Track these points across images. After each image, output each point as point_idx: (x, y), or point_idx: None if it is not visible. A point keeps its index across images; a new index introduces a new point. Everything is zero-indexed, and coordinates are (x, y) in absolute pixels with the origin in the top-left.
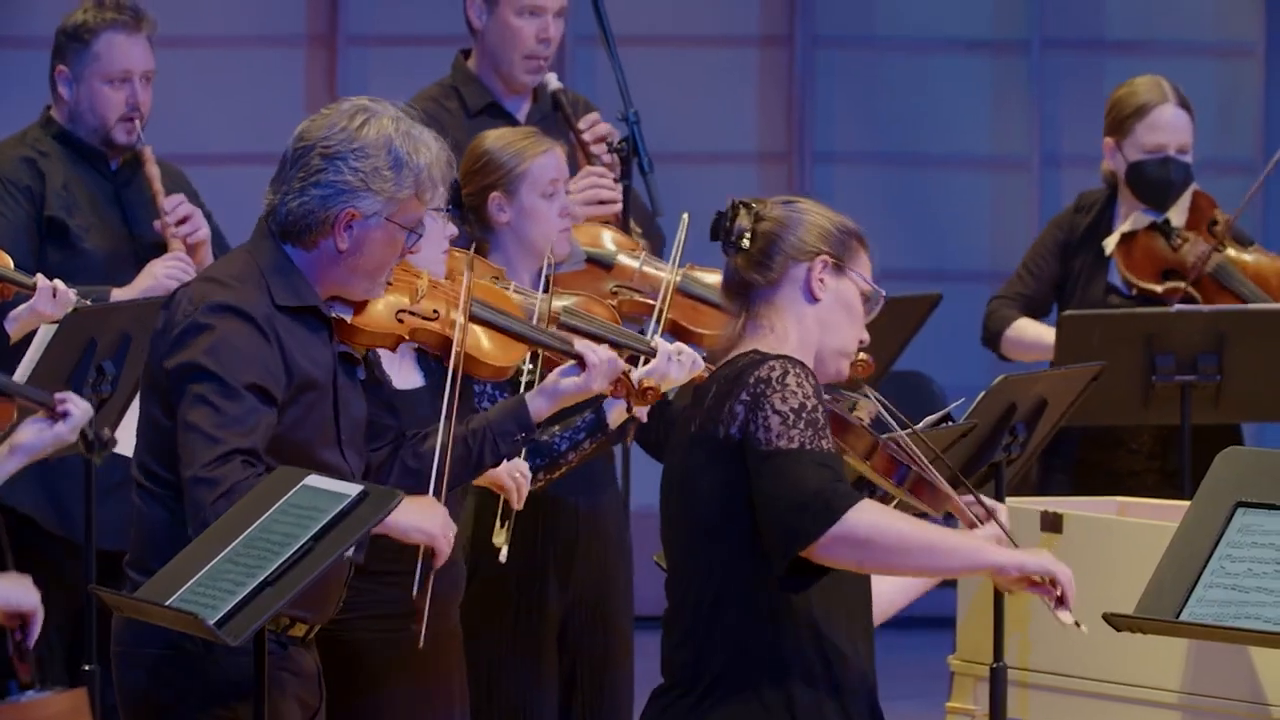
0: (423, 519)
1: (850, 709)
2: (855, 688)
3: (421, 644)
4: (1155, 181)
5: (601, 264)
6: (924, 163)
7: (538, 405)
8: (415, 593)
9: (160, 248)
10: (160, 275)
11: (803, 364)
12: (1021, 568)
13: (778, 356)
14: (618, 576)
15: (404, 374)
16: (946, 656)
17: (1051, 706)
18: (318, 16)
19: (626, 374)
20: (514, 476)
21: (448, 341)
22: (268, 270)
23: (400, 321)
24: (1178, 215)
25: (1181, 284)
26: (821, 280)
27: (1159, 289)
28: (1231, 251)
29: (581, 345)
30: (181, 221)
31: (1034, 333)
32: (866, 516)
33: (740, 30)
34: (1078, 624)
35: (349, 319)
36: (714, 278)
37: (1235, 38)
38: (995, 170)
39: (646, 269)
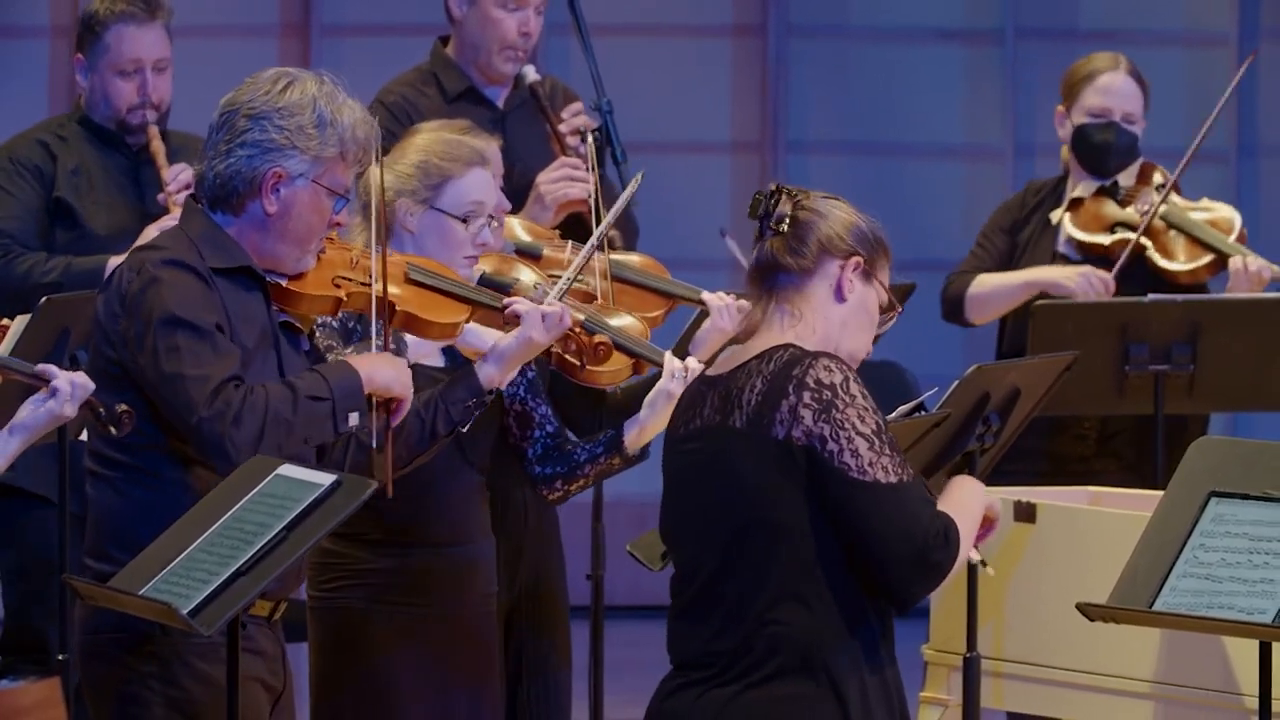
0: (398, 373)
1: (893, 701)
2: (896, 682)
3: (390, 493)
4: (1097, 145)
5: (530, 255)
6: (898, 152)
7: (488, 371)
8: (375, 445)
9: None
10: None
11: (849, 364)
12: (993, 505)
13: (825, 355)
14: (556, 570)
15: (426, 350)
16: (920, 646)
17: (1025, 696)
18: (291, 6)
19: (576, 332)
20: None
21: (384, 304)
22: (198, 238)
23: (337, 286)
24: (1126, 180)
25: (1131, 234)
26: (851, 281)
27: (1106, 241)
28: (1179, 200)
29: (511, 300)
30: (185, 189)
31: (994, 281)
32: (960, 550)
33: (714, 20)
34: (983, 563)
35: (286, 284)
36: (637, 259)
37: (1208, 27)
38: (969, 159)
39: (574, 257)
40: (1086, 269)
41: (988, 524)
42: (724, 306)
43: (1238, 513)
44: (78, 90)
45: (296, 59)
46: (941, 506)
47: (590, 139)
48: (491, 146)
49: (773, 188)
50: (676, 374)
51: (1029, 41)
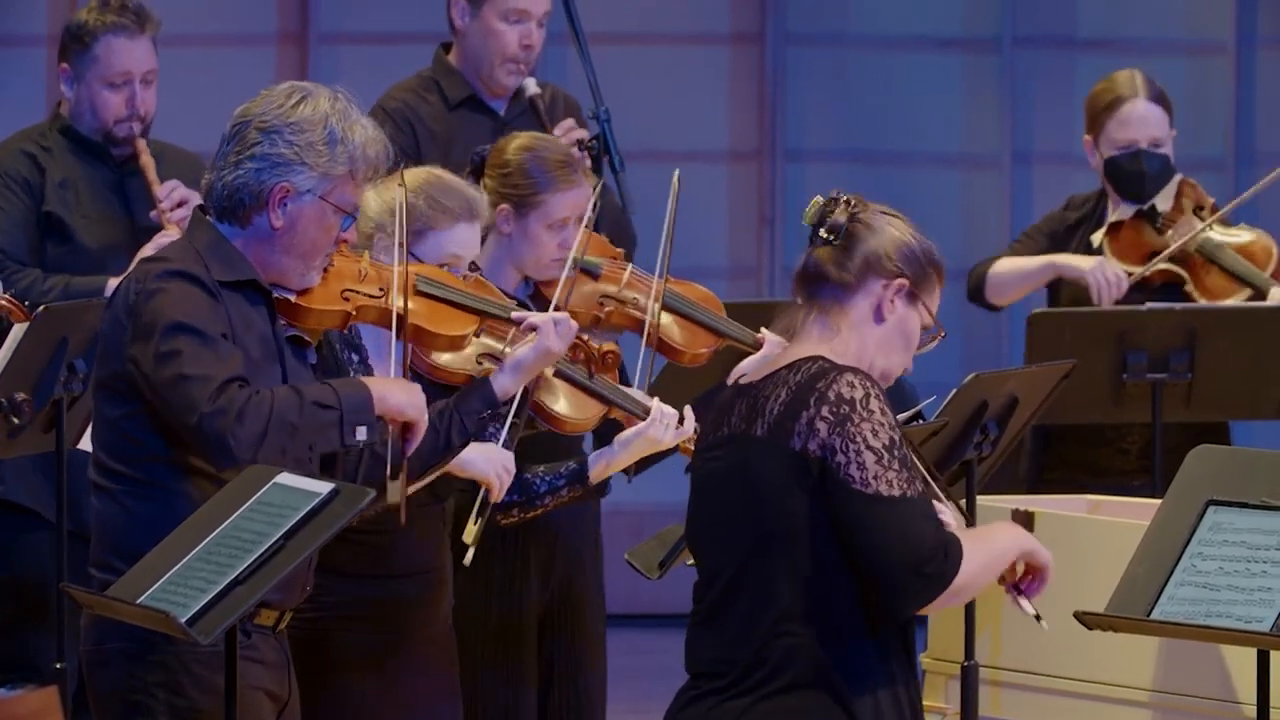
0: (411, 397)
1: (906, 716)
2: (912, 695)
3: (404, 520)
4: (1129, 175)
5: (589, 272)
6: (895, 160)
7: (502, 382)
8: (389, 472)
9: None
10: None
11: (875, 380)
12: (1036, 552)
13: (851, 370)
14: (592, 574)
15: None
16: (918, 655)
17: (1023, 705)
18: (289, 14)
19: (584, 340)
20: (498, 471)
21: (392, 317)
22: (203, 249)
23: (346, 299)
24: (1164, 203)
25: (1167, 265)
26: (892, 303)
27: (1147, 273)
28: (1218, 230)
29: (524, 312)
30: (178, 205)
31: (1013, 263)
32: (965, 567)
33: (712, 28)
34: (1038, 617)
35: (294, 298)
36: (694, 292)
37: (1206, 35)
38: (966, 168)
39: (633, 279)
40: (1103, 259)
41: (1037, 573)
42: (779, 341)
43: (1235, 521)
44: (60, 99)
45: (294, 67)
46: (965, 535)
47: (587, 147)
48: (586, 184)
49: (832, 195)
50: (658, 419)
51: (1027, 50)
